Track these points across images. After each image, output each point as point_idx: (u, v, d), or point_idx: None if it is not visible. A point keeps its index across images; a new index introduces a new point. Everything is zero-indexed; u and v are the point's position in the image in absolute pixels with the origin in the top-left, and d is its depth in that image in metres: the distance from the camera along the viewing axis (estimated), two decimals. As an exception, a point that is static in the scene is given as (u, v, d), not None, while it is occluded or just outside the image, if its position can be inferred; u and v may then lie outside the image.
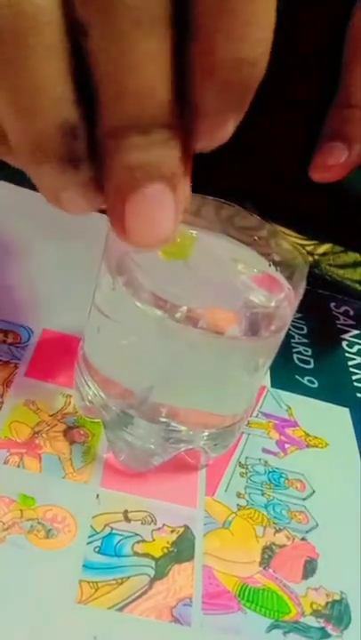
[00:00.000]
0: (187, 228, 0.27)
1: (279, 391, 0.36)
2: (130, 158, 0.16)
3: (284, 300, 0.27)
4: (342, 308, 0.46)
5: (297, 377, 0.38)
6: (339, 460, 0.33)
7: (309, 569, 0.27)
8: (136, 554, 0.25)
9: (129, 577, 0.24)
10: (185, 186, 0.17)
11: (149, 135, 0.16)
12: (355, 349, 0.42)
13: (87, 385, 0.28)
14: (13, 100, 0.16)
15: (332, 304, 0.46)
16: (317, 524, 0.29)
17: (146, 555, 0.25)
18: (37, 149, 0.16)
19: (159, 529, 0.26)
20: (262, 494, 0.30)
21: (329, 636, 0.25)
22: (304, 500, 0.30)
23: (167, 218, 0.17)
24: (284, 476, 0.31)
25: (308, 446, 0.33)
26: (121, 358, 0.27)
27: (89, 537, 0.25)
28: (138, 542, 0.26)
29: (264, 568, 0.27)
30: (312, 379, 0.38)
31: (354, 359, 0.41)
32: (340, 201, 0.47)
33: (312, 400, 0.36)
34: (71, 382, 0.31)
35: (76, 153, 0.16)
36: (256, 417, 0.34)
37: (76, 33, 0.15)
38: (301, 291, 0.27)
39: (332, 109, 0.36)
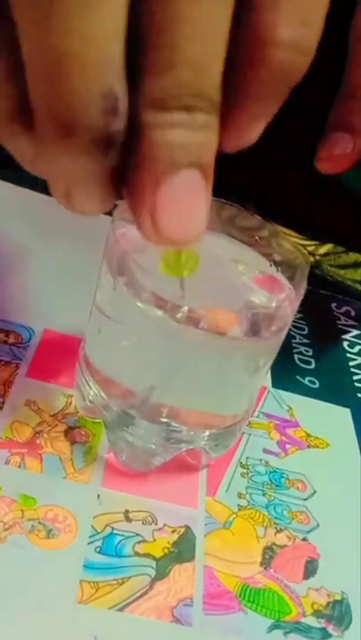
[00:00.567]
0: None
1: (280, 391, 0.36)
2: (172, 135, 0.14)
3: (284, 301, 0.27)
4: (343, 309, 0.46)
5: (298, 377, 0.38)
6: (340, 461, 0.33)
7: (310, 569, 0.27)
8: (137, 554, 0.25)
9: (130, 577, 0.24)
10: (211, 179, 0.16)
11: (195, 114, 0.14)
12: (356, 350, 0.42)
13: (88, 385, 0.28)
14: (57, 56, 0.13)
15: (333, 304, 0.46)
16: (318, 525, 0.29)
17: (147, 555, 0.25)
18: (70, 122, 0.14)
19: (160, 529, 0.26)
20: (263, 494, 0.30)
21: (330, 636, 0.25)
22: (305, 500, 0.30)
23: (201, 210, 0.16)
24: (284, 476, 0.31)
25: (308, 447, 0.33)
26: (122, 358, 0.27)
27: (90, 537, 0.25)
28: (139, 542, 0.26)
29: (265, 568, 0.27)
30: (313, 379, 0.38)
31: (355, 359, 0.41)
32: (341, 201, 0.47)
33: (313, 400, 0.36)
34: (72, 382, 0.31)
35: (111, 133, 0.15)
36: (257, 417, 0.34)
37: None
38: (302, 291, 0.27)
39: (337, 101, 0.36)
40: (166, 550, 0.26)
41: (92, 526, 0.26)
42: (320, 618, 0.26)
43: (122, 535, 0.26)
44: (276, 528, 0.28)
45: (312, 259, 0.51)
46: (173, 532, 0.27)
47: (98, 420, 0.29)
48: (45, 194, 0.32)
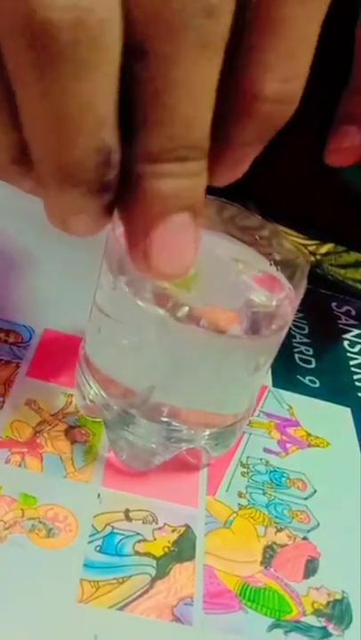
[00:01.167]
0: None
1: (281, 391, 0.36)
2: (165, 185, 0.16)
3: (285, 300, 0.27)
4: (344, 308, 0.46)
5: (298, 377, 0.38)
6: (340, 460, 0.33)
7: (311, 568, 0.27)
8: (137, 553, 0.25)
9: (130, 576, 0.24)
10: (201, 215, 0.17)
11: (187, 164, 0.16)
12: (356, 349, 0.42)
13: (88, 384, 0.28)
14: (54, 118, 0.14)
15: (334, 304, 0.46)
16: (319, 524, 0.29)
17: (147, 554, 0.25)
18: (68, 174, 0.15)
19: (160, 528, 0.26)
20: (263, 494, 0.30)
21: (330, 635, 0.25)
22: (305, 499, 0.30)
23: (190, 247, 0.17)
24: (285, 475, 0.31)
25: (309, 446, 0.33)
26: (122, 358, 0.27)
27: (90, 536, 0.25)
28: (139, 541, 0.26)
29: (265, 567, 0.27)
30: (313, 378, 0.38)
31: (355, 359, 0.41)
32: (342, 200, 0.47)
33: (313, 400, 0.36)
34: (73, 382, 0.31)
35: (107, 180, 0.16)
36: (257, 416, 0.34)
37: (130, 52, 0.14)
38: (302, 290, 0.27)
39: (345, 95, 0.36)
40: (167, 549, 0.26)
41: (93, 525, 0.26)
42: (320, 617, 0.26)
43: (122, 534, 0.26)
44: (276, 527, 0.28)
45: (313, 258, 0.51)
46: (174, 531, 0.27)
47: (98, 420, 0.29)
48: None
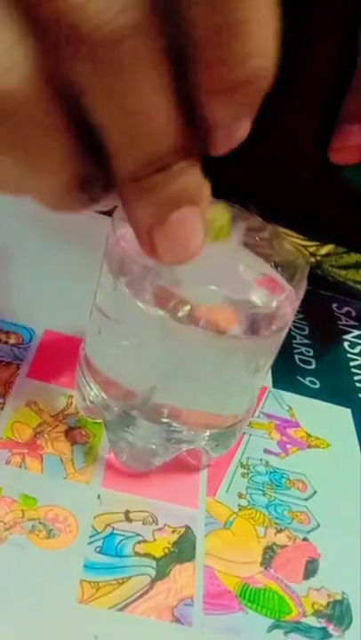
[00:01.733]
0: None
1: (281, 392, 0.36)
2: (155, 197, 0.16)
3: (285, 301, 0.27)
4: (344, 309, 0.46)
5: (298, 377, 0.38)
6: (340, 461, 0.33)
7: (311, 569, 0.27)
8: (137, 554, 0.25)
9: (130, 577, 0.24)
10: (206, 193, 0.17)
11: (169, 169, 0.16)
12: (356, 350, 0.42)
13: (88, 386, 0.28)
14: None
15: (334, 305, 0.46)
16: (319, 525, 0.29)
17: (147, 555, 0.25)
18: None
19: (160, 529, 0.27)
20: (264, 495, 0.30)
21: (330, 636, 0.25)
22: (306, 500, 0.30)
23: (195, 234, 0.17)
24: (285, 476, 0.31)
25: (309, 447, 0.33)
26: (122, 359, 0.27)
27: (90, 537, 0.25)
28: (139, 542, 0.26)
29: (265, 568, 0.27)
30: (314, 379, 0.38)
31: (356, 360, 0.41)
32: (343, 201, 0.47)
33: (314, 400, 0.36)
34: (73, 383, 0.31)
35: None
36: (257, 417, 0.34)
37: (70, 95, 0.15)
38: (302, 291, 0.27)
39: (349, 93, 0.36)
40: (167, 550, 0.26)
41: (93, 526, 0.26)
42: (320, 618, 0.26)
43: (122, 535, 0.26)
44: (276, 528, 0.28)
45: (313, 259, 0.51)
46: (174, 532, 0.27)
47: (98, 421, 0.29)
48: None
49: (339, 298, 0.47)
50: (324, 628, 0.25)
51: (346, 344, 0.43)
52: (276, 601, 0.26)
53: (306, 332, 0.42)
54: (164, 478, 0.29)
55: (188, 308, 0.25)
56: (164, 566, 0.25)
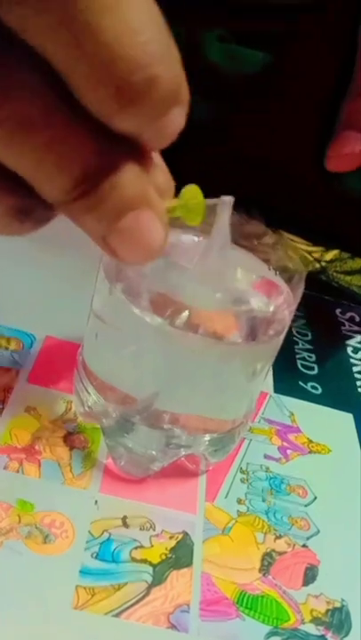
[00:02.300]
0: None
1: (282, 397, 0.36)
2: (96, 213, 0.16)
3: (282, 305, 0.27)
4: (348, 315, 0.46)
5: (300, 383, 0.38)
6: (341, 467, 0.33)
7: (310, 576, 0.27)
8: (134, 560, 0.25)
9: (126, 583, 0.24)
10: (152, 191, 0.17)
11: (95, 191, 0.16)
12: (360, 355, 0.42)
13: (87, 391, 0.28)
14: None
15: (338, 310, 0.46)
16: (319, 531, 0.29)
17: (144, 561, 0.25)
18: None
19: (158, 535, 0.26)
20: (263, 500, 0.29)
21: (329, 643, 0.25)
22: (306, 506, 0.30)
23: (151, 233, 0.17)
24: (285, 482, 0.31)
25: (310, 452, 0.33)
26: (119, 364, 0.27)
27: (87, 542, 0.25)
28: (136, 548, 0.26)
29: (263, 575, 0.26)
30: (316, 385, 0.38)
31: (359, 365, 0.41)
32: (347, 207, 0.47)
33: (315, 406, 0.36)
34: (72, 388, 0.31)
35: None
36: (258, 423, 0.34)
37: None
38: (300, 295, 0.27)
39: (347, 100, 0.36)
40: (164, 556, 0.26)
41: (90, 532, 0.26)
42: (319, 625, 0.25)
43: (119, 541, 0.26)
44: (275, 534, 0.28)
45: (318, 265, 0.50)
46: (171, 537, 0.26)
47: (97, 426, 0.29)
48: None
49: (343, 303, 0.47)
50: (322, 636, 0.25)
51: (349, 349, 0.42)
52: (273, 608, 0.25)
53: (309, 338, 0.42)
54: (163, 484, 0.29)
55: (186, 314, 0.25)
56: (160, 572, 0.25)
